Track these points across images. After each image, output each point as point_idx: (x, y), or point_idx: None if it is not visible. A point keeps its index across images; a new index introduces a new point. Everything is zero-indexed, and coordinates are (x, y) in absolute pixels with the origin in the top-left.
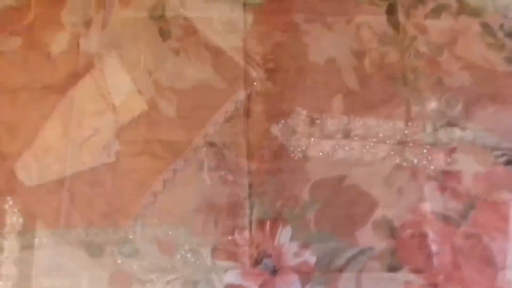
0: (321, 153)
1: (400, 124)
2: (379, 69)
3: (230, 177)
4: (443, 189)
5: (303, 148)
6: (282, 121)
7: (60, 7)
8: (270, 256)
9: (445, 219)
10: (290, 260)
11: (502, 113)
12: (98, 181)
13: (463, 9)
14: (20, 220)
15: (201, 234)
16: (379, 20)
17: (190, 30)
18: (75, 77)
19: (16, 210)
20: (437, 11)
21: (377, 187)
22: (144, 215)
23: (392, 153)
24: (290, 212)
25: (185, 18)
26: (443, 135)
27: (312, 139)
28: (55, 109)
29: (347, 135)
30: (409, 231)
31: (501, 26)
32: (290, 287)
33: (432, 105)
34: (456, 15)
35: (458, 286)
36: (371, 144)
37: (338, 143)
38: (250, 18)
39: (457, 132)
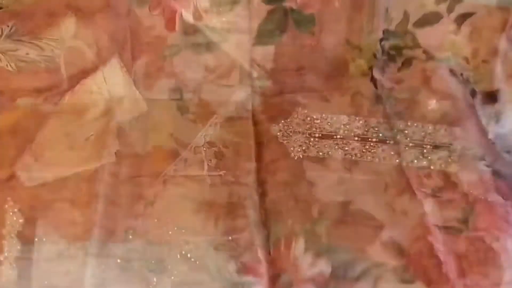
0: (321, 153)
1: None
2: None
3: (230, 177)
4: (441, 203)
5: (303, 148)
6: (282, 121)
7: None
8: (286, 271)
9: (447, 229)
10: (306, 272)
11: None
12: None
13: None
14: (20, 220)
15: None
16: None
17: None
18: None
19: (16, 210)
20: (408, 62)
21: (381, 211)
22: (144, 214)
23: (392, 153)
24: (302, 226)
25: (200, 99)
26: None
27: (312, 139)
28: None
29: (347, 135)
30: (416, 247)
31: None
32: None
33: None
34: (425, 61)
35: None
36: (371, 144)
37: (338, 143)
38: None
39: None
